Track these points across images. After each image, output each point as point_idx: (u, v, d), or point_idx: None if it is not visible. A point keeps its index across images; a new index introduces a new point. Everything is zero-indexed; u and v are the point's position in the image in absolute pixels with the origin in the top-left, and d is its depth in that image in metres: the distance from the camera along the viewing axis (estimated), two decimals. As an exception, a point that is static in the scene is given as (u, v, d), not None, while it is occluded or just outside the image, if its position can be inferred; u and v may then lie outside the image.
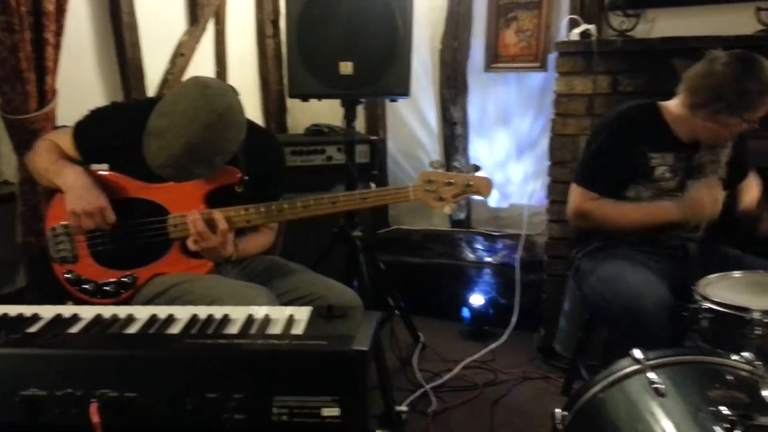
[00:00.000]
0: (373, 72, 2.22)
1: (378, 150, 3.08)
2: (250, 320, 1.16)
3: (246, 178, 1.67)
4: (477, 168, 1.58)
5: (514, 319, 2.78)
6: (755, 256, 1.90)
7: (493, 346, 2.69)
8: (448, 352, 2.65)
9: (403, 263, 3.16)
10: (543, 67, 2.97)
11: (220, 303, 1.39)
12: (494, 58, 3.08)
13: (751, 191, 2.03)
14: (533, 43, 3.00)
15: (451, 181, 1.56)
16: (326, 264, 2.30)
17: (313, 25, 2.23)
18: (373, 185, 2.92)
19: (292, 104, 3.40)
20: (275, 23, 3.28)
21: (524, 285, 2.84)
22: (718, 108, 1.78)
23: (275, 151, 1.88)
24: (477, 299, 2.90)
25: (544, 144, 2.88)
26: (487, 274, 2.98)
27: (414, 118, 3.29)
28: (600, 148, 1.95)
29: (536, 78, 3.01)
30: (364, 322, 1.10)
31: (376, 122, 3.30)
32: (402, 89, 2.27)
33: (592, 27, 2.67)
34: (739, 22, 2.48)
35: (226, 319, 1.17)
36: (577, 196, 1.96)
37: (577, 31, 2.69)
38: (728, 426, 1.09)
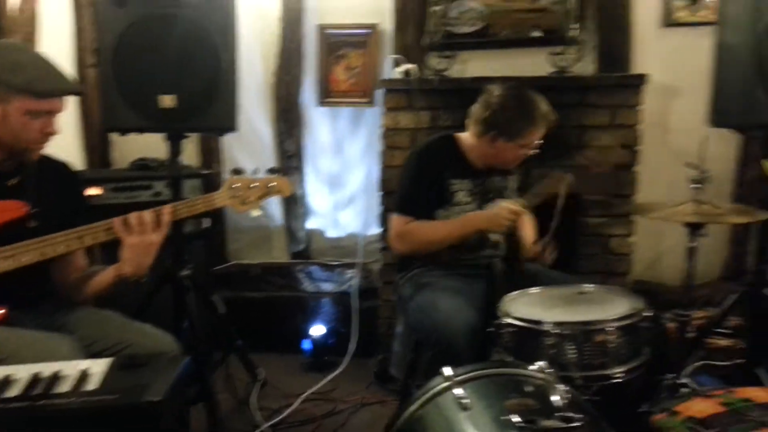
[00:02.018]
0: (196, 106, 2.16)
1: (212, 184, 3.01)
2: (35, 380, 1.06)
3: (35, 210, 1.57)
4: (275, 170, 1.70)
5: (352, 347, 2.83)
6: (552, 270, 2.13)
7: (331, 376, 2.71)
8: (289, 387, 2.62)
9: (243, 299, 3.08)
10: (372, 102, 3.12)
11: (16, 358, 1.26)
12: (326, 93, 3.17)
13: (527, 228, 2.25)
14: (362, 79, 3.14)
15: (255, 184, 1.67)
16: (153, 308, 2.18)
17: (129, 55, 2.13)
18: (208, 220, 2.85)
19: (119, 137, 3.21)
20: (99, 52, 3.09)
21: (363, 312, 2.91)
22: (494, 135, 2.00)
23: (69, 180, 1.80)
24: (318, 330, 2.91)
25: (376, 174, 3.00)
26: (326, 304, 3.01)
27: (250, 151, 3.26)
28: (408, 178, 2.12)
29: (366, 113, 3.15)
30: (165, 369, 1.06)
31: (211, 155, 3.23)
32: (228, 123, 2.24)
33: (413, 66, 2.86)
34: (537, 65, 2.80)
35: (6, 381, 1.06)
36: (394, 222, 2.10)
37: (399, 69, 2.87)
38: (516, 432, 1.19)
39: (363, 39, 3.10)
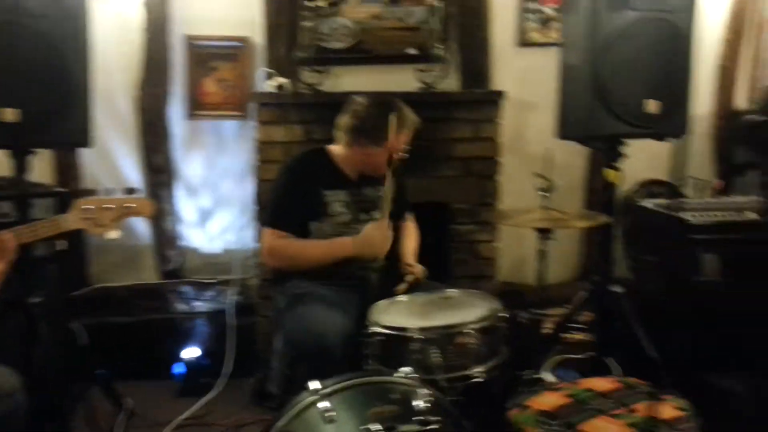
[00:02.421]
0: (43, 120, 2.01)
1: (68, 203, 2.77)
2: None
3: None
4: (133, 190, 1.63)
5: (228, 367, 2.74)
6: (426, 279, 2.19)
7: (205, 399, 2.60)
8: (160, 415, 2.47)
9: (108, 324, 2.87)
10: (245, 115, 3.06)
11: None
12: (196, 106, 3.07)
13: (410, 238, 2.30)
14: (234, 92, 3.08)
15: (110, 205, 1.60)
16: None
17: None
18: (64, 242, 2.64)
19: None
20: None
21: (240, 330, 2.82)
22: (363, 141, 2.05)
23: None
24: (192, 352, 2.79)
25: (251, 188, 2.95)
26: (201, 324, 2.89)
27: (113, 167, 3.08)
28: (280, 191, 2.12)
29: (239, 126, 3.09)
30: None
31: (68, 173, 3.01)
32: (81, 138, 2.10)
33: (286, 80, 2.85)
34: (407, 81, 2.91)
35: None
36: (266, 236, 2.08)
37: (272, 83, 2.85)
38: (375, 440, 1.22)
39: (234, 51, 3.05)
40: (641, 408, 1.33)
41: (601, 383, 1.53)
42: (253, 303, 2.86)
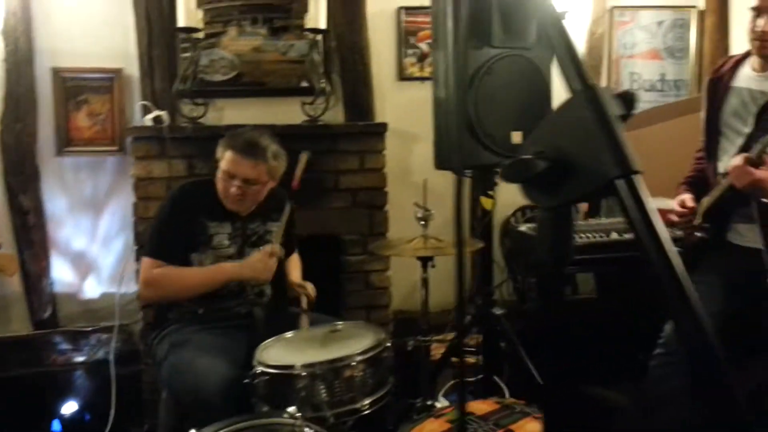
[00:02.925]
0: None
1: None
2: None
3: None
4: None
5: (110, 421, 2.55)
6: (312, 312, 2.16)
7: (84, 458, 2.42)
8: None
9: (-26, 382, 2.61)
10: (122, 150, 2.93)
11: None
12: (67, 142, 2.89)
13: (295, 270, 2.29)
14: (108, 126, 2.93)
15: None
16: None
17: None
18: None
19: None
20: None
21: (123, 380, 2.64)
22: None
23: None
24: (69, 407, 2.57)
25: (130, 228, 2.80)
26: (79, 377, 2.68)
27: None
28: (162, 220, 2.06)
29: (116, 162, 2.95)
30: None
31: None
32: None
33: (164, 113, 2.76)
34: (292, 113, 2.91)
35: None
36: (144, 266, 2.00)
37: (149, 116, 2.75)
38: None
39: (106, 84, 2.91)
40: (516, 428, 1.39)
41: (480, 406, 1.58)
42: (137, 350, 2.70)
